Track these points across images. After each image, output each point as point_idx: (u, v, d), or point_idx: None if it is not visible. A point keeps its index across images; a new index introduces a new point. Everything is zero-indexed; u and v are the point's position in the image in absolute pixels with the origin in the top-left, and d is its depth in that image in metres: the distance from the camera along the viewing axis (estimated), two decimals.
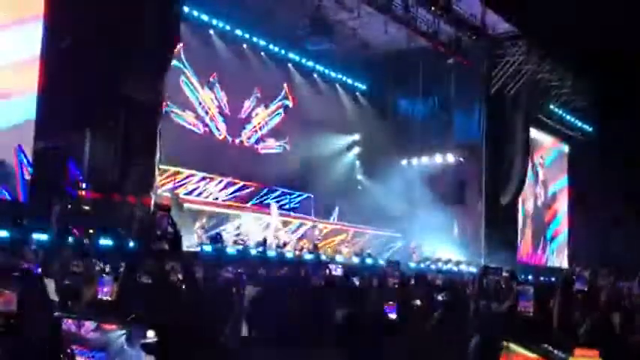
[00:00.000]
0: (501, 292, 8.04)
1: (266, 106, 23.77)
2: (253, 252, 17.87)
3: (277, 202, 23.10)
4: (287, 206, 23.59)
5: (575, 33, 23.86)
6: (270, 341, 2.99)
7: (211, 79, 22.30)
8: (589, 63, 25.65)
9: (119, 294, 3.14)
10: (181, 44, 16.63)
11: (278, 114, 24.32)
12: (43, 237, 12.18)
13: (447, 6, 22.51)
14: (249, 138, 23.45)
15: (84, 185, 15.44)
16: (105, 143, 16.00)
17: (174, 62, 21.14)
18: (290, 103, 24.29)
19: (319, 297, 4.54)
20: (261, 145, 23.80)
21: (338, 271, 5.58)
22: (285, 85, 24.03)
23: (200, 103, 22.02)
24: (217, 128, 22.63)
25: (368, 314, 4.66)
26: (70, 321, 1.59)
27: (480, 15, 24.19)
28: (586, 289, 4.50)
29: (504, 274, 13.37)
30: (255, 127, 23.60)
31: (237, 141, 23.10)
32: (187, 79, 21.73)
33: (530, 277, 17.63)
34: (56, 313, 1.60)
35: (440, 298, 5.78)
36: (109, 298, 4.26)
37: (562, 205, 31.26)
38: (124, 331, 1.57)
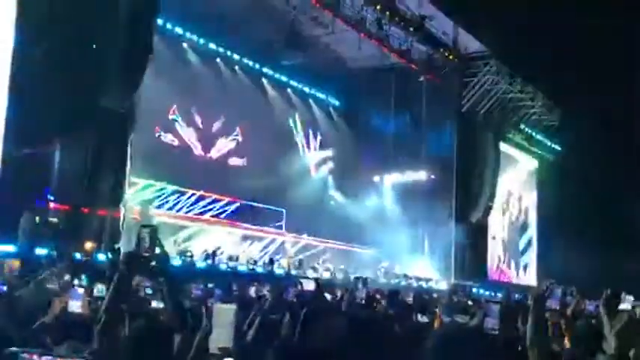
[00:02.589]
0: (470, 308, 8.09)
1: (226, 136, 23.67)
2: (223, 267, 17.77)
3: (248, 216, 23.02)
4: (257, 220, 23.48)
5: (545, 53, 24.30)
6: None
7: (191, 110, 22.31)
8: (558, 83, 26.09)
9: (107, 310, 3.07)
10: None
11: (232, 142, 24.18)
12: (8, 248, 11.97)
13: (419, 25, 22.74)
14: (217, 153, 23.37)
15: (52, 197, 15.23)
16: (75, 154, 15.81)
17: (171, 117, 21.39)
18: (240, 139, 24.13)
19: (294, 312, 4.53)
20: (230, 160, 23.73)
21: (310, 286, 5.56)
22: (237, 127, 23.91)
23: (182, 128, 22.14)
24: (194, 146, 22.59)
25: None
26: (26, 355, 1.53)
27: (453, 34, 24.52)
28: (558, 307, 4.52)
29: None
30: (223, 143, 23.57)
31: (208, 156, 23.00)
32: (180, 124, 21.92)
33: (499, 294, 17.71)
34: (12, 348, 1.54)
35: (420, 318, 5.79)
36: (80, 312, 4.21)
37: (532, 223, 31.60)
38: None
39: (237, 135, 23.89)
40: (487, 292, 21.66)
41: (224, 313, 2.92)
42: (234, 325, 2.89)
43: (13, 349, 1.56)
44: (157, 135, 21.04)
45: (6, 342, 3.19)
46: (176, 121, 21.98)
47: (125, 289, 3.28)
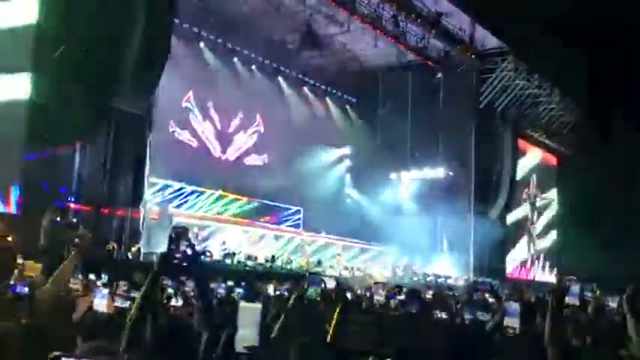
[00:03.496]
0: (490, 305, 8.07)
1: (244, 131, 23.74)
2: (242, 265, 17.85)
3: (268, 215, 23.13)
4: (277, 219, 23.57)
5: (562, 49, 24.10)
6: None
7: (207, 105, 22.40)
8: (577, 78, 25.87)
9: (139, 308, 3.13)
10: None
11: (253, 136, 24.20)
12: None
13: (436, 21, 22.65)
14: (235, 153, 23.43)
15: (71, 198, 15.38)
16: (94, 156, 15.97)
17: (185, 105, 21.50)
18: (262, 129, 24.21)
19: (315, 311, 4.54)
20: (248, 160, 23.80)
21: (331, 284, 5.57)
22: (257, 115, 23.97)
23: (199, 128, 22.26)
24: (212, 146, 22.70)
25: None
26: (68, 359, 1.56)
27: (469, 30, 24.40)
28: (578, 303, 4.49)
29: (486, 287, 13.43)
30: (241, 142, 23.63)
31: (224, 157, 23.10)
32: (195, 115, 22.00)
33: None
34: (56, 353, 1.57)
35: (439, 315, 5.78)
36: (105, 311, 4.26)
37: (552, 219, 31.41)
38: None
39: (254, 133, 23.98)
40: (506, 290, 21.53)
41: (249, 312, 2.94)
42: (260, 323, 2.91)
43: (56, 353, 1.58)
44: (171, 131, 21.06)
45: (40, 344, 3.24)
46: (191, 110, 21.98)
47: (157, 288, 3.37)
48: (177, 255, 3.27)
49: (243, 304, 2.91)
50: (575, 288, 4.36)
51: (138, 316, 3.12)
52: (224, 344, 3.09)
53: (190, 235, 3.37)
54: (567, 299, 4.25)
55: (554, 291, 4.21)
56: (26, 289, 6.01)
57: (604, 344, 4.34)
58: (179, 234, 3.34)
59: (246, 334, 2.86)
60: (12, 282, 6.30)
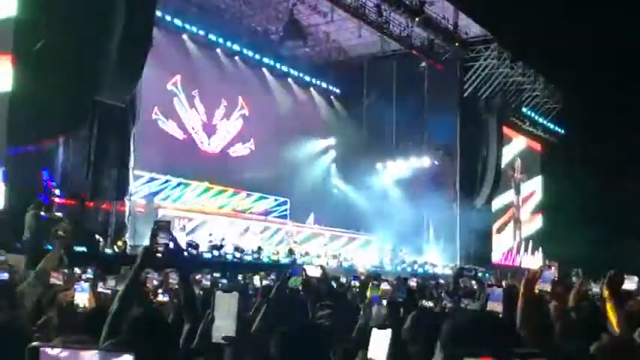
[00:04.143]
0: (475, 292, 8.11)
1: (227, 118, 23.65)
2: (229, 257, 17.85)
3: (254, 206, 23.14)
4: (264, 210, 23.59)
5: (546, 37, 24.21)
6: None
7: (193, 93, 22.28)
8: (560, 66, 26.03)
9: (120, 301, 3.16)
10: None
11: (238, 122, 24.07)
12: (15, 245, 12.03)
13: (419, 10, 22.64)
14: (217, 145, 23.33)
15: (57, 192, 15.30)
16: (78, 149, 15.88)
17: (170, 88, 21.33)
18: (246, 112, 24.12)
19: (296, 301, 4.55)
20: (233, 151, 23.73)
21: (316, 273, 5.57)
22: (240, 97, 23.86)
23: (185, 118, 22.13)
24: (198, 138, 22.60)
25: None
26: (48, 349, 1.56)
27: (453, 19, 24.43)
28: (549, 288, 4.52)
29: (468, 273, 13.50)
30: (226, 133, 23.53)
31: (210, 148, 23.02)
32: (180, 101, 21.83)
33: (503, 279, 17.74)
34: (34, 343, 1.58)
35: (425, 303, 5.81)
36: (87, 306, 4.25)
37: (537, 206, 31.60)
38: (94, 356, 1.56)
39: (238, 118, 23.87)
40: (492, 278, 21.66)
41: (226, 302, 2.94)
42: (237, 313, 2.91)
43: (35, 343, 1.59)
44: (154, 118, 20.87)
45: (18, 336, 3.23)
46: (176, 95, 21.83)
47: (139, 282, 3.41)
48: (160, 248, 3.30)
49: (219, 293, 2.92)
50: (548, 273, 4.39)
51: (117, 310, 3.13)
52: (200, 335, 3.10)
53: (173, 228, 3.40)
54: (539, 285, 4.29)
55: (525, 277, 4.26)
56: (6, 275, 6.00)
57: (583, 325, 4.38)
58: (161, 227, 3.36)
59: (223, 325, 2.86)
60: None
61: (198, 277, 8.91)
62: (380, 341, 2.90)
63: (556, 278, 4.74)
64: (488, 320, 3.06)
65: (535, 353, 1.81)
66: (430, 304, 6.75)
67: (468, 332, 2.78)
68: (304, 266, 5.23)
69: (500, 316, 4.05)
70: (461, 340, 2.91)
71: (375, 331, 2.93)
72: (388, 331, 2.91)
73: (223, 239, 18.65)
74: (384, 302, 5.80)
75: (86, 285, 4.50)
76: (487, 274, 22.52)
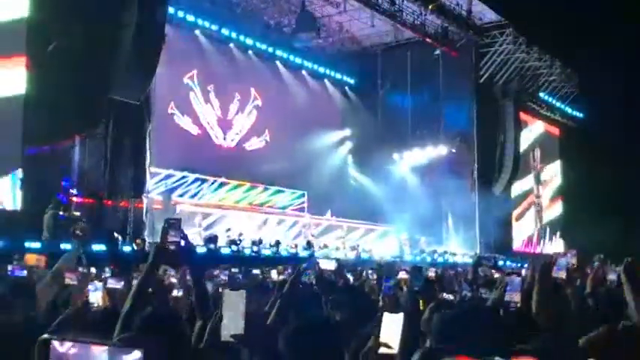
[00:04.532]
0: (496, 282, 8.02)
1: (242, 112, 23.61)
2: (247, 251, 17.87)
3: (271, 200, 23.16)
4: (280, 204, 23.59)
5: (561, 20, 23.94)
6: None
7: (208, 88, 22.29)
8: (576, 50, 25.75)
9: (133, 299, 3.17)
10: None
11: (252, 115, 24.01)
12: (36, 245, 12.10)
13: None
14: (233, 140, 23.33)
15: (75, 191, 15.40)
16: (95, 148, 15.98)
17: (186, 82, 21.34)
18: (260, 103, 24.04)
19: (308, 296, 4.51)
20: (248, 145, 23.71)
21: (330, 266, 5.52)
22: (252, 88, 23.78)
23: (201, 114, 22.14)
24: (213, 133, 22.60)
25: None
26: (58, 343, 1.57)
27: (467, 5, 24.20)
28: (564, 276, 4.45)
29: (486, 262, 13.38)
30: (240, 128, 23.50)
31: (225, 143, 23.02)
32: (196, 95, 21.85)
33: (524, 265, 17.58)
34: (45, 335, 1.58)
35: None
36: (100, 304, 4.25)
37: (557, 192, 31.34)
38: (104, 352, 1.56)
39: (252, 110, 23.80)
40: (513, 264, 21.53)
41: (234, 300, 2.91)
42: (245, 311, 2.88)
43: (45, 336, 1.59)
44: (170, 112, 20.90)
45: (32, 337, 3.22)
46: (192, 89, 21.84)
47: (152, 279, 3.43)
48: (171, 246, 3.31)
49: (227, 291, 2.90)
50: (562, 261, 4.32)
51: (130, 307, 3.13)
52: (209, 333, 3.08)
53: (185, 224, 3.40)
54: (554, 272, 4.22)
55: (540, 266, 4.21)
56: (24, 272, 6.03)
57: (598, 315, 4.31)
58: (172, 225, 3.37)
59: (231, 323, 2.83)
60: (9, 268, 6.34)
61: (215, 272, 8.91)
62: (392, 326, 2.86)
63: (574, 265, 4.67)
64: (480, 315, 3.00)
65: (524, 350, 1.75)
66: (450, 297, 6.67)
67: (453, 327, 2.73)
68: (318, 260, 5.18)
69: (517, 305, 4.00)
70: (445, 334, 2.86)
71: (386, 316, 2.90)
72: (400, 315, 2.87)
73: (241, 234, 18.66)
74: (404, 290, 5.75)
75: (100, 284, 4.50)
76: (508, 262, 22.39)
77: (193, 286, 3.53)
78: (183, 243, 3.34)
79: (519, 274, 4.44)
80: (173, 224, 3.37)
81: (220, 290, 5.65)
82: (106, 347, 1.61)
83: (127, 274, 7.72)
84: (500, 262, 22.60)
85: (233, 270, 10.42)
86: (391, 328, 2.86)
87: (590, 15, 24.37)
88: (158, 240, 3.42)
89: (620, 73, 25.46)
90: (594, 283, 5.04)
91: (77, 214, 13.84)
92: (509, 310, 3.97)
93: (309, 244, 20.15)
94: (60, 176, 14.74)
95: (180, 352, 2.84)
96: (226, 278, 8.71)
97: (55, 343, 1.63)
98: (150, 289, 3.70)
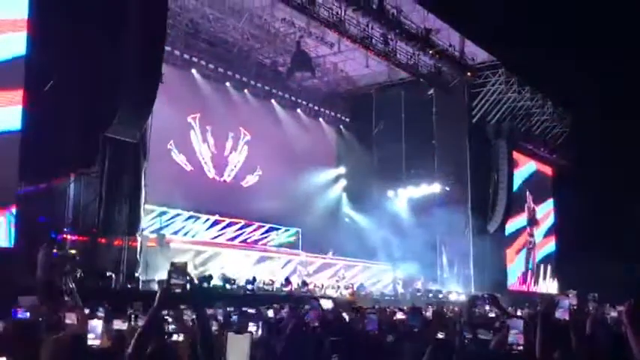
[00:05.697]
0: (491, 322, 7.98)
1: (236, 149, 23.66)
2: (242, 290, 17.77)
3: (265, 237, 23.08)
4: (275, 242, 23.50)
5: (552, 61, 24.22)
6: None
7: (206, 127, 22.40)
8: (567, 90, 26.02)
9: (139, 339, 3.16)
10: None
11: (244, 152, 24.01)
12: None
13: (425, 38, 22.73)
14: (229, 175, 23.33)
15: (68, 229, 15.32)
16: (90, 185, 15.94)
17: (189, 121, 21.45)
18: (249, 137, 24.05)
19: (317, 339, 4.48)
20: (244, 182, 23.70)
21: (328, 305, 5.51)
22: (242, 127, 23.87)
23: (197, 150, 22.22)
24: (207, 169, 22.61)
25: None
26: None
27: (459, 46, 24.52)
28: (567, 317, 4.44)
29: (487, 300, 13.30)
30: (235, 165, 23.52)
31: (221, 179, 23.03)
32: (196, 135, 21.96)
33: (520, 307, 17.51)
34: None
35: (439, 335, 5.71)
36: (100, 345, 4.22)
37: (551, 231, 31.37)
38: None
39: (244, 145, 23.81)
40: (511, 306, 21.40)
41: (238, 343, 2.92)
42: (249, 354, 2.88)
43: None
44: (168, 148, 20.95)
45: None
46: (192, 128, 21.92)
47: (156, 323, 3.43)
48: (177, 290, 3.32)
49: (231, 334, 2.90)
50: (565, 302, 4.32)
51: (135, 349, 3.11)
52: None
53: (189, 268, 3.43)
54: (557, 313, 4.22)
55: (542, 308, 4.21)
56: (27, 314, 5.97)
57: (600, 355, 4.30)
58: (177, 268, 3.38)
59: None
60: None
61: (211, 311, 8.85)
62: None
63: (575, 306, 4.66)
64: None
65: None
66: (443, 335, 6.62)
67: None
68: (320, 301, 5.17)
69: (521, 348, 3.99)
70: None
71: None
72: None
73: (235, 279, 18.51)
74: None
75: (98, 324, 4.47)
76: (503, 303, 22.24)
77: (199, 327, 3.52)
78: (189, 287, 3.36)
79: (521, 317, 4.43)
80: (179, 268, 3.38)
81: (223, 333, 5.63)
82: None
83: (122, 312, 7.67)
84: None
85: (229, 309, 10.35)
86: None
87: (581, 54, 24.69)
88: (153, 277, 3.45)
89: (609, 110, 25.70)
90: (594, 323, 5.03)
91: (73, 252, 13.73)
92: (512, 353, 3.96)
93: (305, 283, 20.07)
94: (55, 214, 14.68)
95: None
96: (222, 318, 8.64)
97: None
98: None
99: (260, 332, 5.37)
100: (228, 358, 2.88)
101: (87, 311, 7.75)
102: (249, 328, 4.45)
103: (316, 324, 4.49)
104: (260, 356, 3.46)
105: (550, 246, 31.25)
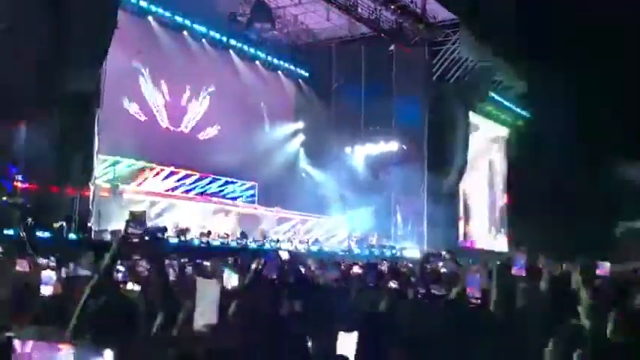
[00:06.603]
0: (443, 276, 8.11)
1: (194, 100, 23.24)
2: (196, 242, 17.71)
3: (221, 191, 22.96)
4: (231, 195, 23.40)
5: (514, 22, 24.33)
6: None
7: (158, 75, 21.85)
8: (526, 51, 26.21)
9: (94, 288, 3.09)
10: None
11: (204, 104, 23.62)
12: None
13: None
14: (186, 127, 22.98)
15: (20, 177, 14.97)
16: (41, 134, 15.54)
17: (135, 65, 20.82)
18: (213, 95, 23.66)
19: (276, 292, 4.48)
20: (200, 134, 23.39)
21: (285, 256, 5.51)
22: (206, 79, 23.29)
23: (150, 99, 21.68)
24: (161, 119, 22.18)
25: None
26: (19, 342, 1.45)
27: (421, 2, 24.38)
28: (524, 273, 4.54)
29: (446, 257, 13.53)
30: (192, 116, 23.15)
31: (177, 129, 22.68)
32: (146, 82, 21.40)
33: (471, 261, 17.84)
34: (6, 334, 1.48)
35: (391, 284, 5.78)
36: (52, 293, 4.13)
37: (504, 190, 31.90)
38: (72, 352, 1.47)
39: (206, 107, 23.51)
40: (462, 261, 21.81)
41: (207, 288, 2.86)
42: (219, 300, 2.83)
43: (9, 334, 1.49)
44: (118, 100, 20.44)
45: None
46: (141, 74, 21.37)
47: (112, 274, 3.39)
48: (135, 240, 3.26)
49: (200, 279, 2.84)
50: (521, 259, 4.40)
51: (88, 301, 3.04)
52: (182, 323, 3.02)
53: (148, 218, 3.36)
54: (514, 270, 4.29)
55: (498, 264, 4.30)
56: None
57: (555, 312, 4.40)
58: (135, 218, 3.31)
59: (205, 312, 2.77)
60: None
61: (166, 262, 8.77)
62: (348, 343, 2.89)
63: (528, 264, 4.76)
64: None
65: None
66: (395, 285, 6.68)
67: None
68: (279, 252, 5.16)
69: (478, 300, 4.05)
70: None
71: (341, 335, 2.92)
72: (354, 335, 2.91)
73: (188, 229, 18.42)
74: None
75: (51, 274, 4.37)
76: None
77: (157, 278, 3.46)
78: (147, 237, 3.29)
79: (477, 271, 4.49)
80: (137, 217, 3.32)
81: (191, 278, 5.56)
82: (71, 347, 1.51)
83: (72, 262, 7.55)
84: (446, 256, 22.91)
85: (183, 260, 10.30)
86: (348, 344, 2.89)
87: (541, 15, 24.84)
88: (105, 227, 3.37)
89: (568, 74, 26.01)
90: (548, 280, 5.14)
91: (21, 200, 13.45)
92: (469, 306, 4.02)
93: (264, 236, 20.16)
94: (4, 162, 14.30)
95: (147, 345, 2.77)
96: (177, 270, 8.60)
97: (17, 343, 1.52)
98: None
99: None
100: (196, 303, 2.83)
101: (42, 261, 7.63)
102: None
103: (274, 276, 4.48)
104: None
105: (502, 206, 31.82)
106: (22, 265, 4.66)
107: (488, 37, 25.91)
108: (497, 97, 29.54)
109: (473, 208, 29.36)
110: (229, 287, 3.21)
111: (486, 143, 30.54)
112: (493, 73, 28.08)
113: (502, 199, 31.79)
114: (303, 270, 8.37)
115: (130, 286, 5.78)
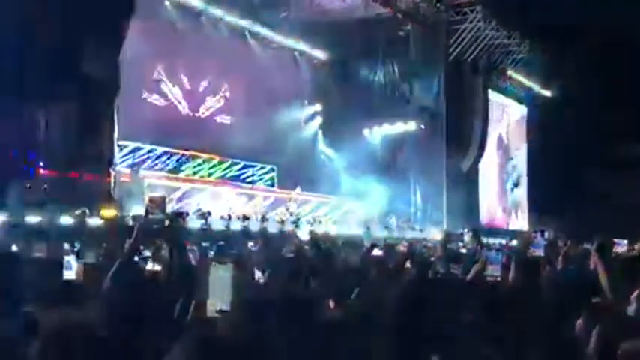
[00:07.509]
0: (464, 256, 8.12)
1: (212, 85, 23.26)
2: (217, 226, 17.79)
3: (240, 174, 23.06)
4: (250, 179, 23.48)
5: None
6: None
7: (177, 61, 21.89)
8: (545, 29, 25.92)
9: (117, 273, 3.14)
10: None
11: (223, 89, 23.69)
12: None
13: None
14: (205, 112, 23.05)
15: (41, 163, 15.14)
16: (61, 120, 15.67)
17: (156, 54, 20.89)
18: (228, 94, 23.66)
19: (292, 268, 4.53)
20: (218, 118, 23.44)
21: (305, 237, 5.56)
22: (224, 85, 23.48)
23: (169, 85, 21.78)
24: (180, 105, 22.26)
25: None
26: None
27: None
28: (542, 253, 4.55)
29: (467, 237, 13.48)
30: (210, 101, 23.20)
31: (196, 115, 22.75)
32: (165, 69, 21.51)
33: (494, 240, 17.80)
34: (29, 308, 1.53)
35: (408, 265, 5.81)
36: (74, 278, 4.20)
37: (523, 168, 31.71)
38: None
39: (224, 92, 23.58)
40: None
41: (220, 274, 2.88)
42: (232, 285, 2.85)
43: (30, 308, 1.54)
44: (142, 96, 20.71)
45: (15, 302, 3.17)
46: (162, 80, 21.59)
47: (134, 257, 3.44)
48: (155, 225, 3.30)
49: (214, 264, 2.86)
50: (540, 239, 4.42)
51: (113, 286, 3.09)
52: (195, 309, 3.06)
53: (169, 202, 3.40)
54: (532, 250, 4.31)
55: (518, 245, 4.32)
56: None
57: (574, 291, 4.39)
58: (155, 203, 3.35)
59: (217, 298, 2.79)
60: None
61: (187, 247, 8.86)
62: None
63: (548, 243, 4.76)
64: None
65: None
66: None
67: None
68: (297, 233, 5.20)
69: (499, 279, 4.07)
70: None
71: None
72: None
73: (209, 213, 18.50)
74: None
75: (73, 260, 4.45)
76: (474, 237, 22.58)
77: (177, 262, 3.49)
78: (167, 222, 3.33)
79: (498, 249, 4.51)
80: (157, 202, 3.35)
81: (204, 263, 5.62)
82: None
83: (95, 247, 7.64)
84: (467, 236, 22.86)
85: (204, 244, 10.38)
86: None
87: None
88: (127, 213, 3.40)
89: (587, 48, 25.72)
90: (564, 260, 5.13)
91: (44, 186, 13.61)
92: (489, 282, 4.05)
93: (280, 219, 20.21)
94: (25, 148, 14.46)
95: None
96: (198, 254, 8.67)
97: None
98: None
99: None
100: (209, 289, 2.83)
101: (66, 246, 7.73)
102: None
103: (291, 255, 4.52)
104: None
105: (524, 186, 31.63)
106: (41, 251, 4.73)
107: (506, 15, 25.67)
108: (515, 75, 29.27)
109: (490, 187, 29.21)
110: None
111: (504, 121, 30.30)
112: (511, 51, 27.80)
113: (519, 179, 31.58)
114: (321, 250, 8.45)
115: (151, 265, 5.84)
